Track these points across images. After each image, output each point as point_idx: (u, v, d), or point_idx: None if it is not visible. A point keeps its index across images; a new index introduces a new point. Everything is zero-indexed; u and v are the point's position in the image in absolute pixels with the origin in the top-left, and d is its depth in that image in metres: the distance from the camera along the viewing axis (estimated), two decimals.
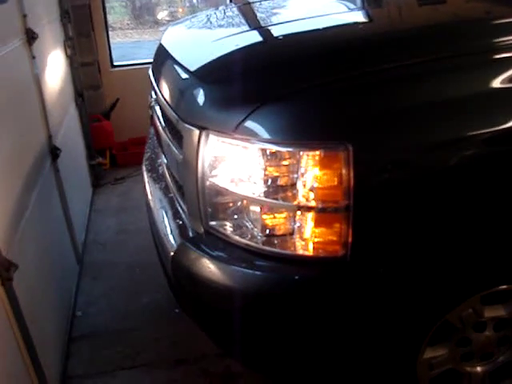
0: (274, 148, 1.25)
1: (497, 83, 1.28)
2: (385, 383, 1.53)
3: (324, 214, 1.26)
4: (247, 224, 1.38)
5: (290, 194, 1.27)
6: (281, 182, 1.27)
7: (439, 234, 1.31)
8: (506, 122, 1.26)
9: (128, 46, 9.65)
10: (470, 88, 1.29)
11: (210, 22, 2.27)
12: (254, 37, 1.81)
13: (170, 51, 1.90)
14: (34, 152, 2.14)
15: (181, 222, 1.60)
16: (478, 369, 1.58)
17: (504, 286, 1.43)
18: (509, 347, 1.58)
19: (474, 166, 1.28)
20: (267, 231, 1.33)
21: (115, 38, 9.30)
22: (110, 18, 4.21)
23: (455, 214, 1.29)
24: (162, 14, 12.22)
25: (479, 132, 1.26)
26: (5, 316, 1.49)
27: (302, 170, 1.24)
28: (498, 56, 1.33)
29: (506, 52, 1.32)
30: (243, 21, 2.09)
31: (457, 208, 1.29)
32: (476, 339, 1.52)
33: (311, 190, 1.24)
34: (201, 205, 1.42)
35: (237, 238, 1.38)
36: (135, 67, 4.27)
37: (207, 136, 1.36)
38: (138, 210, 3.14)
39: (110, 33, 4.17)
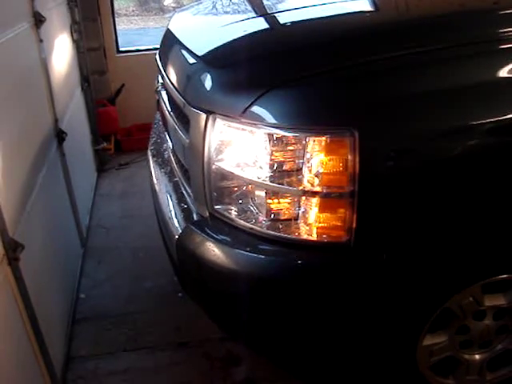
0: (281, 133, 1.26)
1: (503, 73, 1.29)
2: (385, 369, 1.55)
3: (329, 200, 1.27)
4: (252, 208, 1.39)
5: (295, 179, 1.28)
6: (286, 166, 1.29)
7: (442, 223, 1.32)
8: (511, 112, 1.27)
9: (132, 33, 9.61)
10: (476, 77, 1.29)
11: (217, 9, 2.27)
12: (262, 23, 1.81)
13: (177, 36, 1.90)
14: (40, 135, 2.16)
15: (186, 206, 1.62)
16: (477, 357, 1.60)
17: (504, 276, 1.45)
18: (507, 336, 1.60)
19: (477, 155, 1.29)
20: (272, 216, 1.34)
21: (120, 25, 9.23)
22: (115, 4, 4.19)
23: (458, 202, 1.30)
24: (167, 1, 12.16)
25: (483, 121, 1.27)
26: (12, 295, 1.51)
27: (307, 156, 1.25)
28: (504, 46, 1.33)
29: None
30: (249, 7, 2.09)
31: (460, 197, 1.30)
32: (475, 327, 1.54)
33: (316, 175, 1.26)
34: (206, 189, 1.43)
35: (241, 222, 1.39)
36: (141, 53, 4.27)
37: (214, 120, 1.37)
38: (142, 195, 3.16)
39: (115, 19, 4.16)
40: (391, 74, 1.29)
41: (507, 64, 1.29)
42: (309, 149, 1.24)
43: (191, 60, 1.64)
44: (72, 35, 3.29)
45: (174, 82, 1.73)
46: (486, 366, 1.62)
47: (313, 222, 1.30)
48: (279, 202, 1.34)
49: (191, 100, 1.49)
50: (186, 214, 1.59)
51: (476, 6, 1.56)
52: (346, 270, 1.34)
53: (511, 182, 1.32)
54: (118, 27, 4.22)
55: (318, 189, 1.26)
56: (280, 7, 2.00)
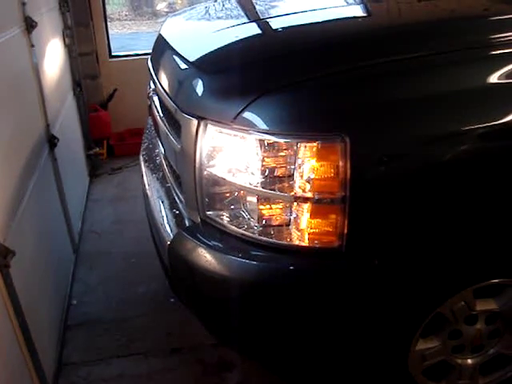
0: (272, 139, 1.26)
1: (493, 78, 1.29)
2: (378, 374, 1.55)
3: (320, 205, 1.27)
4: (244, 214, 1.39)
5: (286, 184, 1.28)
6: (278, 172, 1.29)
7: (433, 228, 1.33)
8: (502, 117, 1.27)
9: (125, 38, 9.62)
10: (466, 82, 1.30)
11: (209, 14, 2.27)
12: (254, 29, 1.81)
13: (169, 42, 1.90)
14: (32, 140, 2.15)
15: (178, 212, 1.62)
16: (469, 361, 1.61)
17: (496, 280, 1.45)
18: (499, 340, 1.60)
19: (469, 160, 1.29)
20: (264, 221, 1.34)
21: (113, 29, 9.26)
22: (108, 9, 4.19)
23: (450, 208, 1.31)
24: (160, 5, 12.19)
25: (474, 127, 1.27)
26: (2, 303, 1.50)
27: (299, 161, 1.25)
28: (494, 52, 1.34)
29: (502, 48, 1.34)
30: (242, 13, 2.09)
31: (451, 202, 1.30)
32: (467, 332, 1.54)
33: (308, 181, 1.26)
34: (198, 195, 1.43)
35: (233, 227, 1.39)
36: (133, 58, 4.25)
37: (205, 126, 1.37)
38: (135, 200, 3.16)
39: (108, 24, 4.16)
40: (382, 79, 1.29)
41: (498, 70, 1.30)
42: (300, 155, 1.24)
43: (183, 65, 1.63)
44: (64, 40, 3.29)
45: (166, 87, 1.72)
46: (478, 370, 1.63)
47: (304, 227, 1.30)
48: (271, 208, 1.33)
49: (182, 106, 1.49)
50: (178, 219, 1.58)
51: (466, 12, 1.57)
52: (337, 275, 1.34)
53: (504, 187, 1.33)
54: (110, 31, 4.22)
55: (309, 194, 1.26)
56: (272, 13, 2.01)
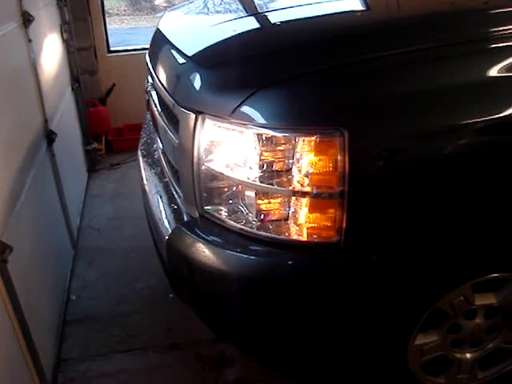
0: (270, 133, 1.26)
1: (493, 72, 1.28)
2: (376, 368, 1.55)
3: (318, 200, 1.27)
4: (242, 209, 1.38)
5: (285, 179, 1.28)
6: (276, 167, 1.28)
7: (432, 222, 1.32)
8: (502, 111, 1.27)
9: (124, 33, 9.58)
10: (466, 76, 1.29)
11: (207, 8, 2.26)
12: (252, 23, 1.80)
13: (167, 36, 1.89)
14: (29, 136, 2.14)
15: (176, 207, 1.61)
16: (468, 355, 1.61)
17: (495, 275, 1.45)
18: (498, 334, 1.60)
19: (468, 155, 1.28)
20: (262, 216, 1.34)
21: (111, 24, 9.22)
22: (106, 4, 4.17)
23: (449, 202, 1.30)
24: (159, 0, 12.14)
25: (473, 121, 1.26)
26: (0, 298, 1.49)
27: (297, 156, 1.25)
28: (494, 45, 1.33)
29: (502, 41, 1.33)
30: (240, 7, 2.08)
31: (450, 197, 1.30)
32: (466, 326, 1.54)
33: (306, 175, 1.25)
34: (196, 189, 1.42)
35: (232, 222, 1.39)
36: (132, 53, 4.24)
37: (203, 120, 1.36)
38: (133, 195, 3.14)
39: (106, 19, 4.14)
40: (381, 73, 1.28)
41: (497, 63, 1.29)
42: (298, 149, 1.24)
43: (180, 60, 1.63)
44: (62, 35, 3.27)
45: (164, 82, 1.72)
46: (477, 364, 1.63)
47: (303, 222, 1.29)
48: (269, 203, 1.33)
49: (180, 100, 1.48)
50: (177, 214, 1.58)
51: (466, 5, 1.56)
52: (336, 270, 1.33)
53: (503, 182, 1.33)
54: (109, 26, 4.21)
55: (307, 189, 1.26)
56: (270, 7, 1.99)
